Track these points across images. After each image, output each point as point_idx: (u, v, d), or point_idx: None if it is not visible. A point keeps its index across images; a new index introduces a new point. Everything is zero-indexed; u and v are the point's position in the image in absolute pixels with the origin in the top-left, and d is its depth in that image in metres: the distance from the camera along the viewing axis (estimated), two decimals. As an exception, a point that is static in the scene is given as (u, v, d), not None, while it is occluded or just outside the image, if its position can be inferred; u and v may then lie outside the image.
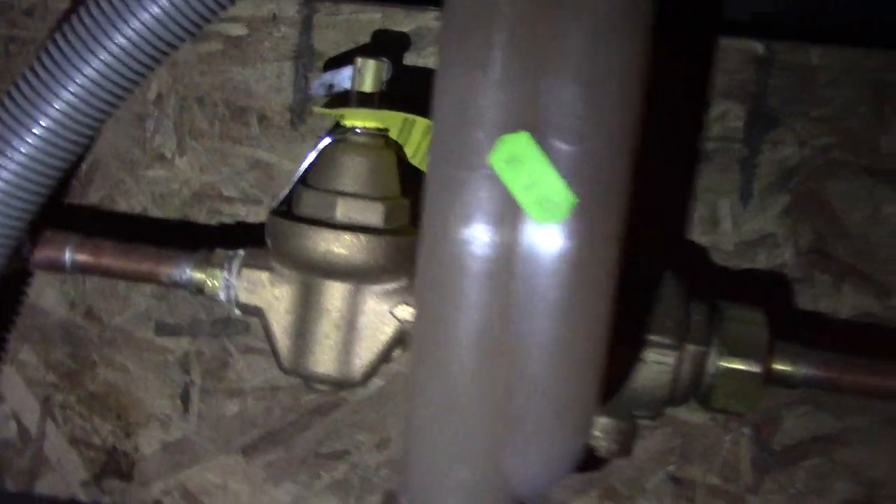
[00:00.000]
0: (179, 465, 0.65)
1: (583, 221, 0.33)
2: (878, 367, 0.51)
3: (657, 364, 0.49)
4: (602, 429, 0.52)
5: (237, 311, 0.53)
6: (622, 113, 0.33)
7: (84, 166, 0.62)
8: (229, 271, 0.53)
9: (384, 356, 0.51)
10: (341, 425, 0.64)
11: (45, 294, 0.64)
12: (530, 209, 0.33)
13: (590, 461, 0.47)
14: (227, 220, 0.62)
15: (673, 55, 0.56)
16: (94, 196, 0.63)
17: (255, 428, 0.64)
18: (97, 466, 0.66)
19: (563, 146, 0.33)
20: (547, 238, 0.33)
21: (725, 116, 0.58)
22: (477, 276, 0.34)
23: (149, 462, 0.65)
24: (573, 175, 0.33)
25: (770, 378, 0.51)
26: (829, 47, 0.57)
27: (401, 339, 0.51)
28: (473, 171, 0.33)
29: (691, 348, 0.49)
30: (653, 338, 0.49)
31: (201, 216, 0.62)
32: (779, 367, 0.51)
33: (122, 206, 0.63)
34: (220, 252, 0.53)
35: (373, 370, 0.51)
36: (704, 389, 0.50)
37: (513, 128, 0.32)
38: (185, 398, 0.64)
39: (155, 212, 0.62)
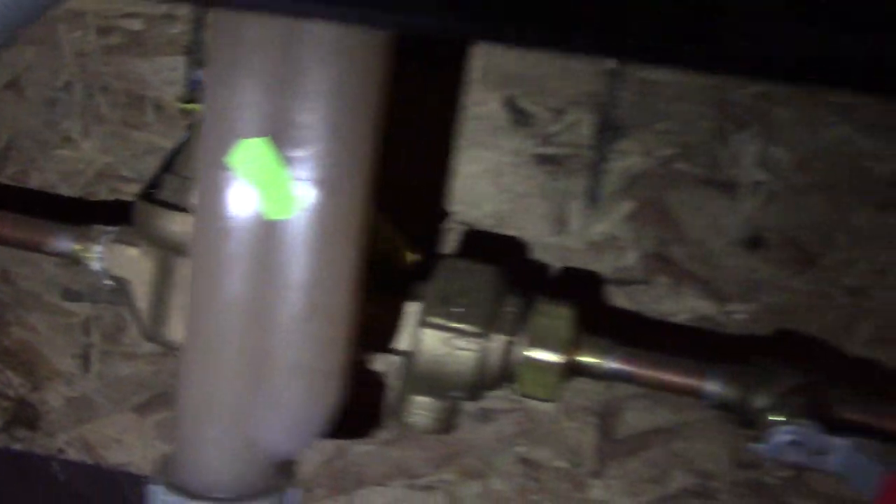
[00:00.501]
0: (81, 419, 0.72)
1: (318, 216, 0.38)
2: (676, 364, 0.55)
3: (463, 350, 0.53)
4: (420, 407, 0.56)
5: (109, 282, 0.59)
6: (354, 125, 0.38)
7: (1, 144, 0.68)
8: (102, 245, 0.58)
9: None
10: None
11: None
12: (265, 205, 0.38)
13: (347, 430, 0.52)
14: (125, 198, 0.68)
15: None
16: (9, 171, 0.69)
17: (147, 389, 0.70)
18: (8, 415, 0.72)
19: (295, 153, 0.37)
20: (290, 229, 0.38)
21: (577, 124, 0.62)
22: (233, 256, 0.39)
23: (54, 414, 0.72)
24: (304, 178, 0.38)
25: (578, 370, 0.55)
26: (672, 66, 0.60)
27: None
28: (228, 169, 0.38)
29: (498, 338, 0.54)
30: (460, 326, 0.53)
31: (102, 194, 0.68)
32: (585, 359, 0.55)
33: (35, 181, 0.69)
34: (97, 228, 0.59)
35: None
36: (512, 376, 0.55)
37: (246, 134, 0.37)
38: (86, 358, 0.70)
39: (63, 189, 0.69)
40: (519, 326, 0.54)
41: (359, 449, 0.69)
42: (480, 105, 0.62)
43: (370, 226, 0.41)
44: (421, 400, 0.56)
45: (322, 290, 0.39)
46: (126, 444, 0.71)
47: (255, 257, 0.39)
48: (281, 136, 0.38)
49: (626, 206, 0.62)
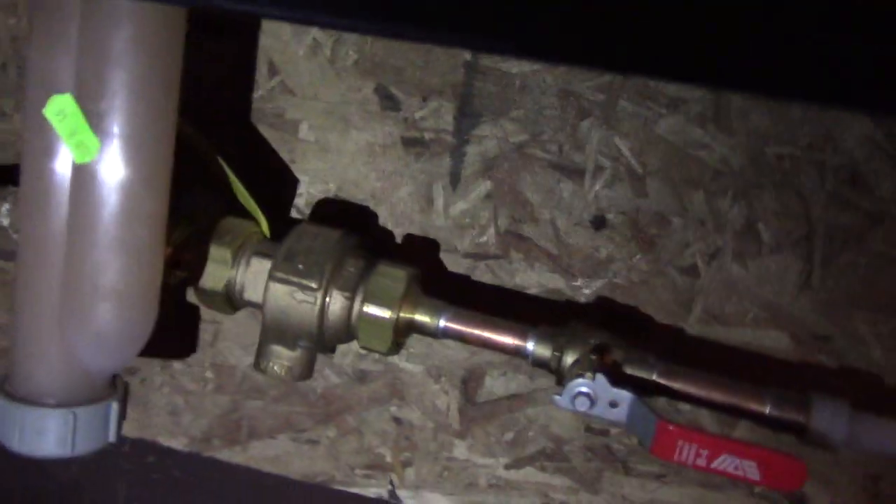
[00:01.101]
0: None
1: (119, 160, 0.45)
2: (501, 325, 0.61)
3: (304, 303, 0.60)
4: (274, 355, 0.63)
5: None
6: (147, 82, 0.45)
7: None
8: (9, 204, 0.67)
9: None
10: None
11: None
12: (73, 151, 0.45)
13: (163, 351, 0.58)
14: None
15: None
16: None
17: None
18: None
19: (94, 105, 0.45)
20: (96, 172, 0.46)
21: (439, 111, 0.68)
22: (50, 195, 0.46)
23: (-12, 363, 0.80)
24: (100, 127, 0.45)
25: (412, 326, 0.61)
26: (522, 59, 0.66)
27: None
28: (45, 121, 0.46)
29: (336, 293, 0.60)
30: (302, 281, 0.60)
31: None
32: (418, 317, 0.61)
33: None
34: (9, 188, 0.67)
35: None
36: (353, 330, 0.61)
37: (61, 91, 0.45)
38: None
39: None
40: (358, 284, 0.61)
41: (251, 404, 0.76)
42: (355, 91, 0.69)
43: (169, 169, 0.48)
44: (275, 349, 0.63)
45: (125, 224, 0.46)
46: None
47: (70, 196, 0.46)
48: (86, 92, 0.45)
49: (484, 187, 0.68)
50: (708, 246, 0.66)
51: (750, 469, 0.52)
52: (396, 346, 0.62)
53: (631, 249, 0.67)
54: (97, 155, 0.45)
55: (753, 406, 0.58)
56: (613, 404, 0.56)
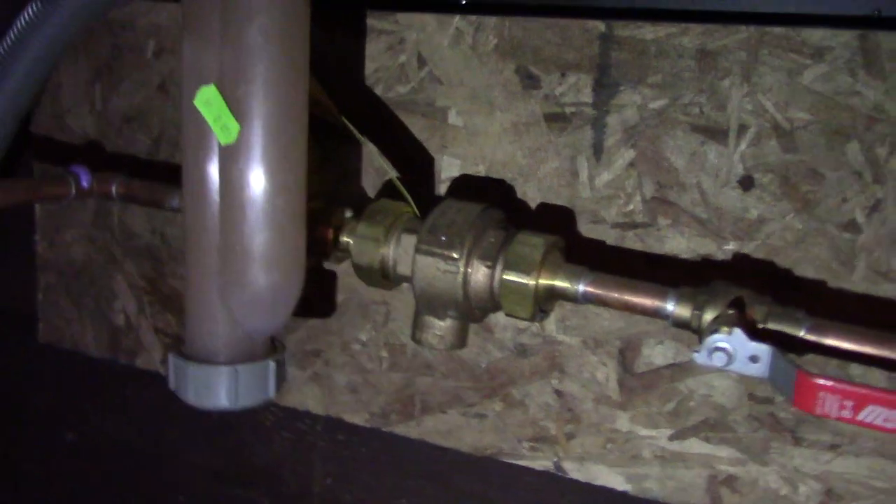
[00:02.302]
0: (217, 354, 0.89)
1: (260, 141, 0.51)
2: (640, 287, 0.61)
3: (448, 273, 0.63)
4: (427, 325, 0.67)
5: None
6: (282, 70, 0.51)
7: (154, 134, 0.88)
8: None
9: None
10: (317, 331, 0.84)
11: (136, 222, 0.92)
12: (217, 133, 0.52)
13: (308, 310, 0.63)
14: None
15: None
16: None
17: (260, 328, 0.86)
18: (168, 349, 0.92)
19: (233, 92, 0.51)
20: (242, 152, 0.52)
21: (578, 85, 0.70)
22: (206, 175, 0.53)
23: (199, 350, 0.90)
24: (239, 111, 0.51)
25: (553, 292, 0.63)
26: (657, 23, 0.66)
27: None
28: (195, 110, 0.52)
29: (477, 262, 0.63)
30: (445, 252, 0.63)
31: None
32: (558, 283, 0.62)
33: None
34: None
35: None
36: (497, 298, 0.64)
37: (206, 82, 0.51)
38: (218, 303, 0.88)
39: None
40: (498, 253, 0.63)
41: (422, 381, 0.80)
42: (497, 74, 0.72)
43: (303, 148, 0.53)
44: (427, 319, 0.67)
45: (267, 197, 0.52)
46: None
47: (220, 176, 0.52)
48: (227, 81, 0.51)
49: (627, 156, 0.69)
50: (868, 199, 0.63)
51: (901, 420, 0.49)
52: (542, 313, 0.64)
53: (783, 208, 0.65)
54: (237, 136, 0.51)
55: (912, 357, 0.54)
56: (754, 359, 0.55)
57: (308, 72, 0.54)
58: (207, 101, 0.51)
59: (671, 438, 0.72)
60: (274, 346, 0.59)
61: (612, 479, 0.74)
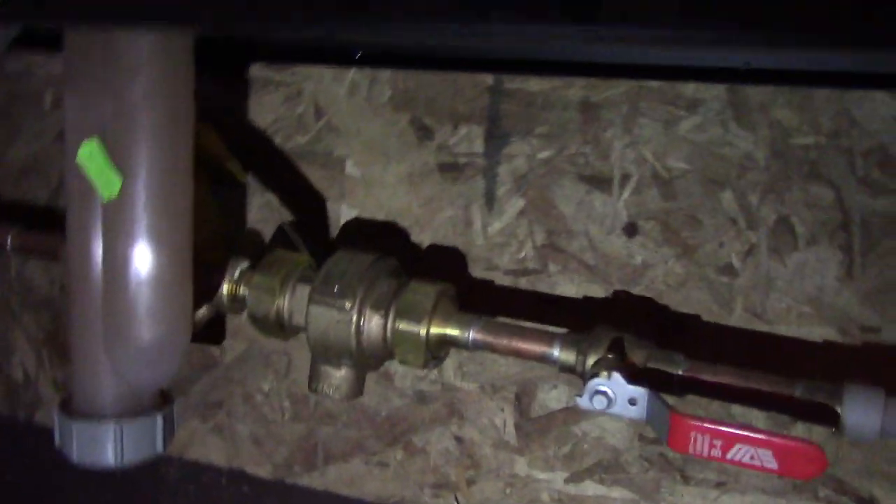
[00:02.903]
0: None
1: (144, 195, 0.51)
2: (528, 333, 0.62)
3: (339, 322, 0.64)
4: (325, 376, 0.67)
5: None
6: (165, 122, 0.51)
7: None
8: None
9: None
10: (219, 381, 0.83)
11: (35, 274, 0.90)
12: (100, 188, 0.52)
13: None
14: None
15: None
16: None
17: (161, 380, 0.85)
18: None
19: (118, 147, 0.51)
20: (124, 210, 0.52)
21: (470, 135, 0.72)
22: (89, 230, 0.53)
23: (99, 403, 0.89)
24: (124, 168, 0.51)
25: (445, 340, 0.64)
26: (542, 77, 0.69)
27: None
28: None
29: (370, 311, 0.64)
30: (337, 301, 0.64)
31: None
32: (449, 331, 0.63)
33: None
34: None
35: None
36: (390, 346, 0.65)
37: (89, 136, 0.51)
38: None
39: None
40: (391, 302, 0.64)
41: (324, 430, 0.80)
42: (392, 124, 0.73)
43: (191, 201, 0.54)
44: (323, 369, 0.67)
45: (152, 252, 0.52)
46: (150, 428, 0.87)
47: (103, 231, 0.52)
48: (112, 135, 0.51)
49: (518, 204, 0.71)
50: (742, 244, 0.65)
51: (766, 458, 0.51)
52: (435, 360, 0.65)
53: (665, 254, 0.67)
54: (120, 191, 0.51)
55: (783, 393, 0.56)
56: (633, 402, 0.56)
57: (192, 125, 0.54)
58: (90, 155, 0.51)
59: (567, 481, 0.73)
60: (164, 399, 0.59)
61: (512, 523, 0.75)
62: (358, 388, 0.68)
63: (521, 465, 0.74)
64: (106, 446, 0.54)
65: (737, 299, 0.66)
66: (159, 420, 0.57)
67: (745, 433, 0.52)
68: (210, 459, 0.85)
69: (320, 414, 0.80)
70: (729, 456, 0.52)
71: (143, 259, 0.52)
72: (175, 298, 0.54)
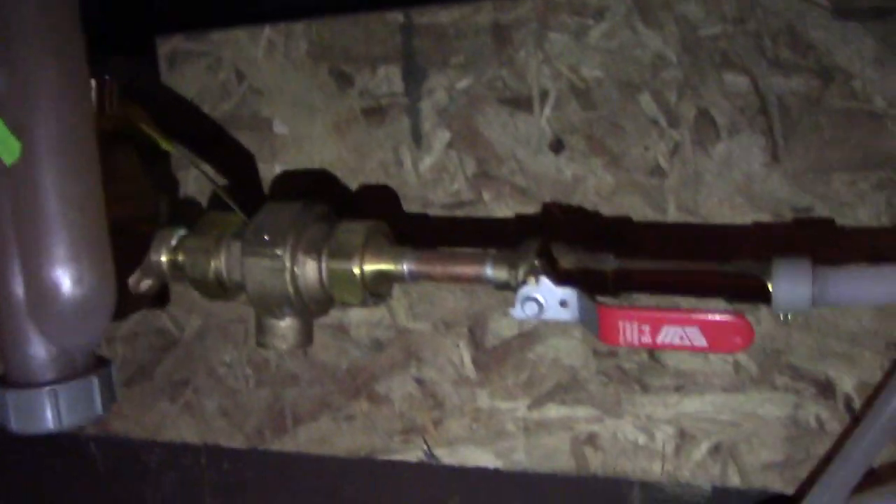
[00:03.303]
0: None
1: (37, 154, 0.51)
2: (461, 258, 0.62)
3: (274, 271, 0.64)
4: (270, 329, 0.67)
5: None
6: (59, 94, 0.51)
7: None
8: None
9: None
10: (182, 359, 0.83)
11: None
12: (2, 156, 0.52)
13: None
14: None
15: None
16: None
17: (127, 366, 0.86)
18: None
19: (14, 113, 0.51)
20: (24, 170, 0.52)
21: (388, 76, 0.71)
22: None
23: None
24: (23, 132, 0.51)
25: (381, 275, 0.64)
26: (450, 6, 0.69)
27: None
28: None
29: (302, 256, 0.64)
30: (270, 251, 0.64)
31: None
32: (384, 266, 0.63)
33: None
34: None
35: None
36: (328, 289, 0.65)
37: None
38: (81, 348, 0.87)
39: None
40: (322, 245, 0.64)
41: (289, 393, 0.80)
42: (312, 77, 0.73)
43: (95, 159, 0.54)
44: (268, 322, 0.67)
45: (63, 213, 0.52)
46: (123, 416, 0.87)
47: (12, 194, 0.53)
48: (7, 102, 0.51)
49: (445, 138, 0.71)
50: (667, 143, 0.65)
51: (695, 336, 0.51)
52: (375, 297, 0.65)
53: (593, 164, 0.67)
54: (20, 154, 0.51)
55: (715, 276, 0.56)
56: (563, 304, 0.56)
57: (88, 87, 0.55)
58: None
59: (530, 408, 0.73)
60: (99, 363, 0.59)
61: (483, 457, 0.75)
62: (305, 337, 0.68)
63: (483, 399, 0.74)
64: (44, 412, 0.54)
65: (669, 199, 0.66)
66: (95, 382, 0.57)
67: (670, 314, 0.51)
68: (184, 438, 0.86)
69: (283, 376, 0.80)
70: (659, 340, 0.52)
71: (53, 221, 0.52)
72: (93, 255, 0.54)
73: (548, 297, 0.56)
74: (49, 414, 0.54)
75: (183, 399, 0.84)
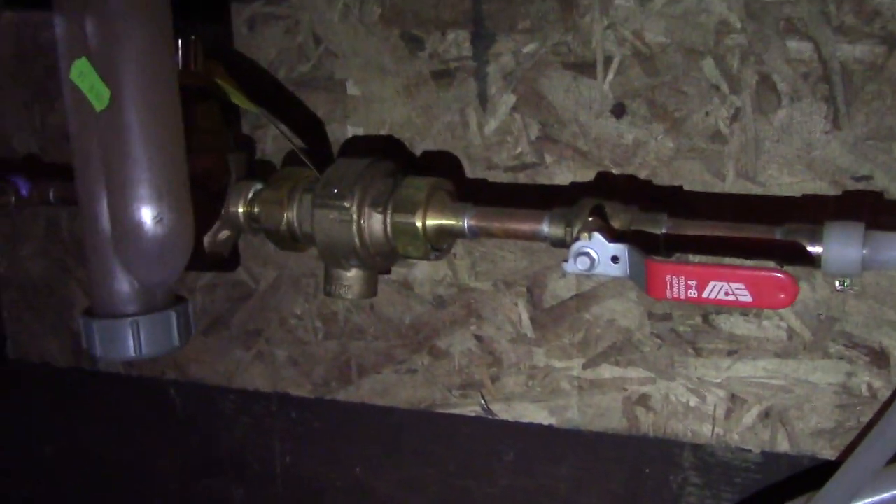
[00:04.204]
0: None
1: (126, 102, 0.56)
2: (519, 215, 0.64)
3: (342, 222, 0.67)
4: (337, 279, 0.71)
5: None
6: (144, 44, 0.56)
7: None
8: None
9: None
10: (256, 310, 0.88)
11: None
12: (92, 101, 0.56)
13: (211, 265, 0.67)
14: None
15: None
16: None
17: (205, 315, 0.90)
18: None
19: (104, 61, 0.56)
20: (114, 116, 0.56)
21: (457, 40, 0.74)
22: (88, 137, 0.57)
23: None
24: (111, 79, 0.56)
25: (443, 230, 0.66)
26: (520, -28, 0.71)
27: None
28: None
29: (368, 209, 0.67)
30: (337, 202, 0.67)
31: None
32: (445, 221, 0.66)
33: None
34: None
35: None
36: (392, 241, 0.68)
37: (78, 55, 0.56)
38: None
39: None
40: (388, 199, 0.67)
41: (355, 345, 0.84)
42: (384, 41, 0.76)
43: (178, 106, 0.58)
44: (335, 272, 0.71)
45: (148, 156, 0.56)
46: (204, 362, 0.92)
47: (100, 140, 0.57)
48: (97, 50, 0.56)
49: (510, 101, 0.73)
50: (728, 109, 0.66)
51: (741, 292, 0.52)
52: (436, 251, 0.68)
53: (654, 129, 0.68)
54: (109, 101, 0.55)
55: (764, 238, 0.57)
56: (615, 260, 0.58)
57: (172, 43, 0.59)
58: (81, 73, 0.56)
59: (584, 367, 0.75)
60: (177, 300, 0.63)
61: (537, 414, 0.78)
62: (370, 288, 0.72)
63: (539, 357, 0.76)
64: (126, 341, 0.59)
65: (728, 165, 0.67)
66: (173, 316, 0.61)
67: (717, 269, 0.53)
68: (256, 386, 0.90)
69: (350, 330, 0.84)
70: (705, 295, 0.53)
71: (138, 163, 0.56)
72: (173, 196, 0.58)
73: (600, 253, 0.58)
74: (131, 342, 0.59)
75: (256, 348, 0.89)
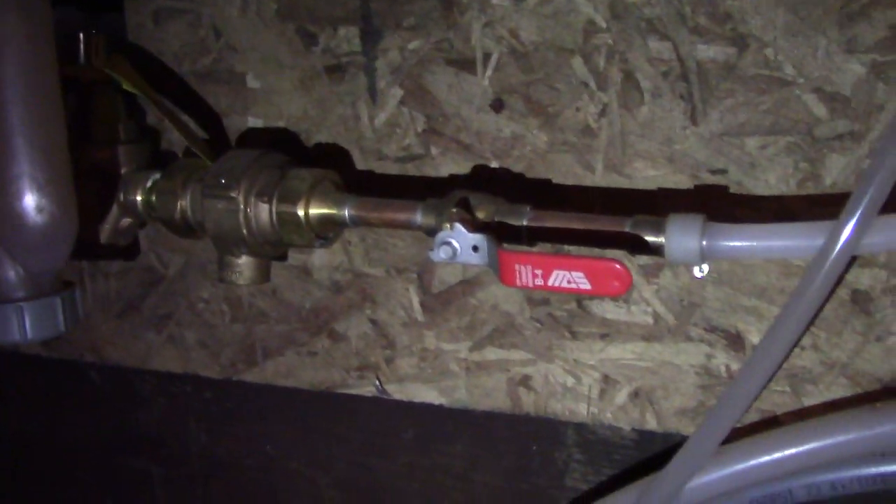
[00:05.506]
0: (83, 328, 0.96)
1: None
2: (396, 205, 0.68)
3: (230, 211, 0.70)
4: (228, 265, 0.74)
5: None
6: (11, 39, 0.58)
7: None
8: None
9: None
10: (166, 295, 0.91)
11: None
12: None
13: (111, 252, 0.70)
14: None
15: None
16: None
17: (119, 300, 0.93)
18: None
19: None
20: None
21: (348, 36, 0.77)
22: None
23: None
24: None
25: (325, 219, 0.69)
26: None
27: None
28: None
29: (254, 199, 0.70)
30: (225, 193, 0.70)
31: None
32: (327, 210, 0.69)
33: None
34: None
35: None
36: (278, 230, 0.71)
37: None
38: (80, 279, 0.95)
39: None
40: (273, 189, 0.70)
41: (259, 328, 0.87)
42: (281, 35, 0.79)
43: (58, 101, 0.61)
44: (227, 259, 0.74)
45: (29, 156, 0.59)
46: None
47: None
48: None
49: (397, 95, 0.76)
50: (596, 105, 0.69)
51: (580, 280, 0.56)
52: (321, 240, 0.71)
53: (530, 123, 0.72)
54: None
55: (614, 230, 0.61)
56: (475, 249, 0.62)
57: (52, 37, 0.61)
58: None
59: (471, 350, 0.78)
60: (64, 286, 0.66)
61: (429, 394, 0.81)
62: (261, 274, 0.75)
63: (430, 340, 0.80)
64: (10, 325, 0.62)
65: (597, 158, 0.70)
66: (58, 302, 0.64)
67: (558, 259, 0.56)
68: (168, 368, 0.93)
69: (254, 314, 0.87)
70: (550, 282, 0.57)
71: (17, 152, 0.59)
72: (55, 190, 0.61)
73: (461, 242, 0.62)
74: (15, 327, 0.62)
75: (167, 331, 0.92)
